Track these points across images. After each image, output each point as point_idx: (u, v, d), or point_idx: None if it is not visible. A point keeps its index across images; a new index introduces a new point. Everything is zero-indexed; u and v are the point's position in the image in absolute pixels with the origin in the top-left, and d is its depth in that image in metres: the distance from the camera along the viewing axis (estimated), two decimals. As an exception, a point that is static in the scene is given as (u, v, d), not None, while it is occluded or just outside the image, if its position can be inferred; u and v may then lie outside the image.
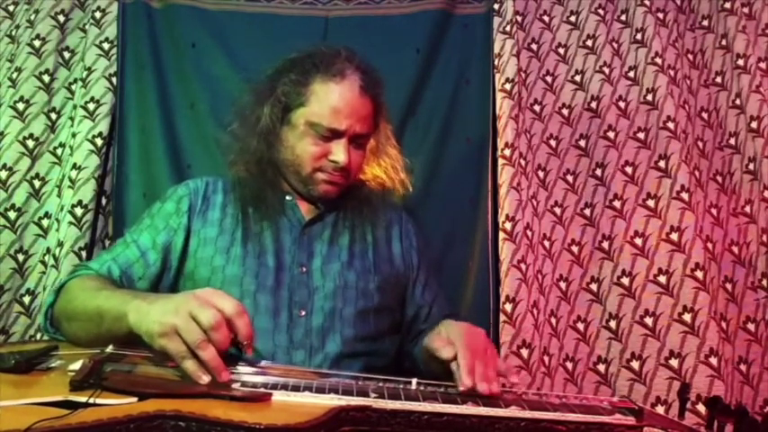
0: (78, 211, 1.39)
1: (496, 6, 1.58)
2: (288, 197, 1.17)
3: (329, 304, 1.07)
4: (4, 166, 1.43)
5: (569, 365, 1.41)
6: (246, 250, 1.09)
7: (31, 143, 1.46)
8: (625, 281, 1.40)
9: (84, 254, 1.38)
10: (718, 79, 1.52)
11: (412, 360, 1.19)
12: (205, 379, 0.75)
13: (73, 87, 1.52)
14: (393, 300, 1.18)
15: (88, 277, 1.01)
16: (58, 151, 1.48)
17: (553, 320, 1.44)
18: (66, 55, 1.54)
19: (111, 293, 0.91)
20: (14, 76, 1.48)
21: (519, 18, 1.60)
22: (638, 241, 1.40)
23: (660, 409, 1.29)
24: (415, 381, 0.82)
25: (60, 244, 1.37)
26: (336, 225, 1.17)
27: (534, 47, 1.62)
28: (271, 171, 1.16)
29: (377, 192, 1.26)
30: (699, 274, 1.33)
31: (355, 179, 1.21)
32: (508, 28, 1.55)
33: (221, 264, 1.08)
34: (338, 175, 1.13)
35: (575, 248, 1.48)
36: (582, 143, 1.53)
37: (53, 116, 1.50)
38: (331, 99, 1.09)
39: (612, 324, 1.39)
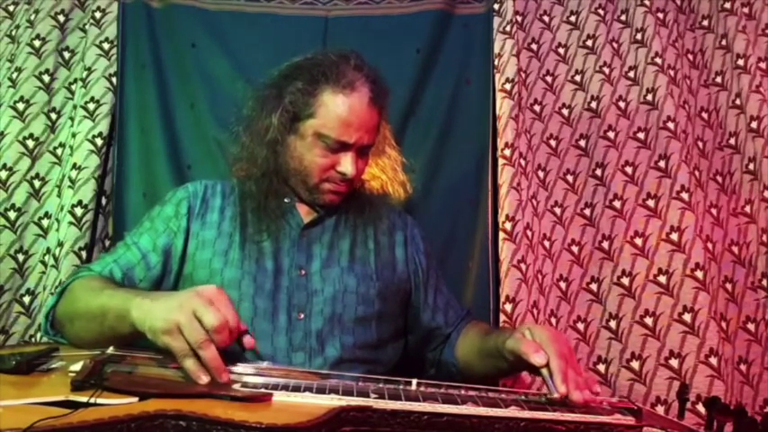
0: (78, 211, 1.39)
1: (496, 6, 1.58)
2: (286, 199, 1.16)
3: (329, 309, 1.07)
4: (4, 166, 1.43)
5: (569, 365, 1.41)
6: (245, 254, 1.09)
7: (31, 143, 1.46)
8: (625, 281, 1.40)
9: (84, 254, 1.38)
10: (718, 79, 1.52)
11: (444, 366, 1.18)
12: (204, 379, 0.76)
13: (73, 87, 1.52)
14: (395, 306, 1.17)
15: (91, 278, 1.01)
16: (58, 151, 1.48)
17: (553, 320, 1.44)
18: (66, 55, 1.54)
19: (114, 292, 0.91)
20: (14, 76, 1.48)
21: (519, 18, 1.60)
22: (638, 241, 1.40)
23: (660, 410, 1.29)
24: (415, 381, 0.82)
25: (60, 244, 1.37)
26: (338, 227, 1.17)
27: (534, 47, 1.62)
28: (276, 180, 1.15)
29: (378, 193, 1.26)
30: (699, 274, 1.33)
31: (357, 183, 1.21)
32: (508, 28, 1.55)
33: (219, 266, 1.08)
34: (344, 185, 1.13)
35: (575, 248, 1.48)
36: (582, 143, 1.54)
37: (53, 116, 1.50)
38: (340, 112, 1.07)
39: (612, 324, 1.39)
